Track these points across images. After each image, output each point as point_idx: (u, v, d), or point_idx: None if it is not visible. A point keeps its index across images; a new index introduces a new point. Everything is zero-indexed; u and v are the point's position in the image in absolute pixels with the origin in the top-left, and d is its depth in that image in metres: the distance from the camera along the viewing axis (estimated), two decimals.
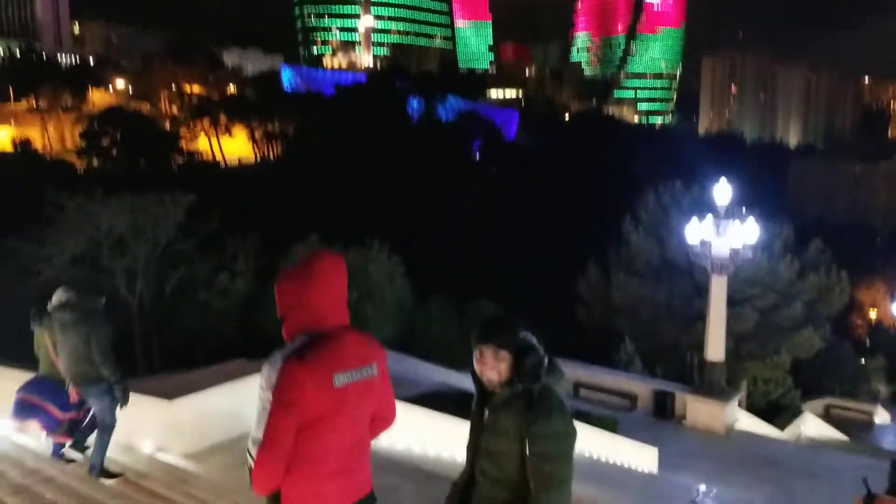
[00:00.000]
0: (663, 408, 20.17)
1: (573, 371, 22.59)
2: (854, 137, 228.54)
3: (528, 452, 3.25)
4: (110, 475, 7.04)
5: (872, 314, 58.23)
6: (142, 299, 27.43)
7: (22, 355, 10.24)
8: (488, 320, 3.48)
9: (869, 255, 63.13)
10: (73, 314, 6.87)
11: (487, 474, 3.41)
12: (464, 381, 18.70)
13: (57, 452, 7.46)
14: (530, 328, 3.72)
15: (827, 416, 29.40)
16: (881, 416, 30.93)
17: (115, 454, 7.65)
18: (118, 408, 7.03)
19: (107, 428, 6.98)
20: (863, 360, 39.84)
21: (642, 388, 21.27)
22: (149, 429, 8.51)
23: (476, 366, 3.39)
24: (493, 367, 3.34)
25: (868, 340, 50.81)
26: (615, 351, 26.87)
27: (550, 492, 3.26)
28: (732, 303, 23.34)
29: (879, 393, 38.30)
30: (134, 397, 7.11)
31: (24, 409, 7.22)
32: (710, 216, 19.13)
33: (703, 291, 22.66)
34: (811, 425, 24.92)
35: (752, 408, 25.24)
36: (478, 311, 33.23)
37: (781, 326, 27.09)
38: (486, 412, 3.37)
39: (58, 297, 7.03)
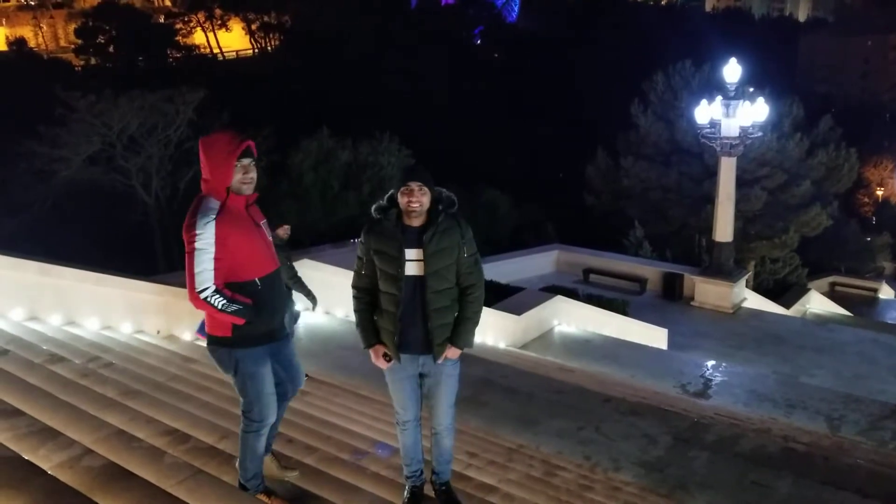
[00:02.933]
0: (672, 289, 20.75)
1: (583, 258, 23.11)
2: (865, 9, 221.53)
3: (464, 255, 4.45)
4: None
5: (879, 192, 58.33)
6: (158, 197, 27.74)
7: (44, 252, 10.65)
8: (412, 167, 4.57)
9: (878, 133, 62.58)
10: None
11: (434, 289, 4.43)
12: None
13: None
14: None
15: (832, 294, 30.10)
16: (885, 292, 31.61)
17: None
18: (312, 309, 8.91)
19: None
20: (868, 238, 40.29)
21: (651, 271, 21.80)
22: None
23: (403, 199, 4.36)
24: (418, 198, 4.33)
25: (874, 218, 51.14)
26: (624, 236, 27.28)
27: (482, 278, 4.61)
28: (741, 183, 23.57)
29: (884, 269, 38.94)
30: None
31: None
32: (719, 97, 19.11)
33: (712, 173, 22.87)
34: (817, 302, 25.62)
35: (760, 287, 25.93)
36: (488, 200, 33.55)
37: (790, 205, 27.40)
38: (426, 240, 4.37)
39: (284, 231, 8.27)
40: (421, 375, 4.70)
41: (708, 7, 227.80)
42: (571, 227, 34.22)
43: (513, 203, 35.29)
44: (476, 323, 4.64)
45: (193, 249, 4.08)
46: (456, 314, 4.57)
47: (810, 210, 27.34)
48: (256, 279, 4.30)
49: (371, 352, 4.64)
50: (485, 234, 30.89)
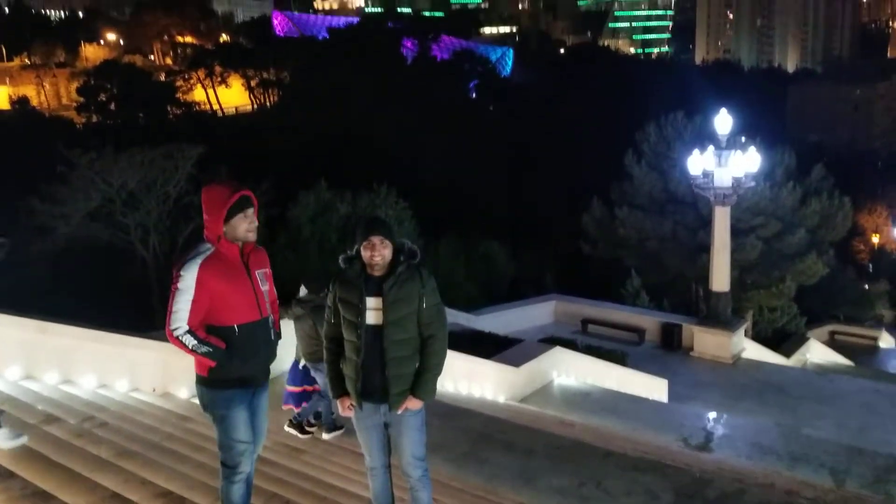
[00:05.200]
0: (671, 340, 20.68)
1: (581, 308, 23.07)
2: (853, 59, 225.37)
3: (424, 306, 4.53)
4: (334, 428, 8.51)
5: (875, 239, 58.54)
6: (155, 252, 27.80)
7: (42, 310, 10.63)
8: (374, 219, 4.68)
9: (870, 180, 63.12)
10: (304, 308, 8.26)
11: (392, 338, 4.50)
12: (473, 322, 19.19)
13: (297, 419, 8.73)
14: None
15: (832, 342, 29.95)
16: (885, 341, 31.46)
17: None
18: None
19: (326, 395, 8.21)
20: (866, 286, 40.31)
21: (649, 321, 21.75)
22: None
23: (365, 253, 4.50)
24: (380, 252, 4.48)
25: (871, 266, 51.23)
26: (622, 285, 27.29)
27: (445, 329, 4.69)
28: (736, 232, 23.68)
29: (883, 318, 38.85)
30: None
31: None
32: (711, 147, 19.32)
33: (707, 222, 22.95)
34: (816, 352, 25.49)
35: (759, 336, 25.80)
36: (485, 251, 33.65)
37: (785, 254, 27.45)
38: (385, 289, 4.47)
39: (303, 290, 8.46)
40: (386, 425, 4.76)
41: (698, 59, 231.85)
42: (569, 277, 34.29)
43: (510, 253, 35.44)
44: (437, 374, 4.71)
45: (175, 289, 4.32)
46: (417, 365, 4.64)
47: (806, 258, 27.40)
48: (235, 325, 4.46)
49: (338, 401, 4.77)
50: (482, 285, 30.94)
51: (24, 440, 6.75)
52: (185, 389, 9.63)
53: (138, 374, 9.70)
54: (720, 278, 19.88)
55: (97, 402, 8.56)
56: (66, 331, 9.32)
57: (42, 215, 25.23)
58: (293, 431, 8.39)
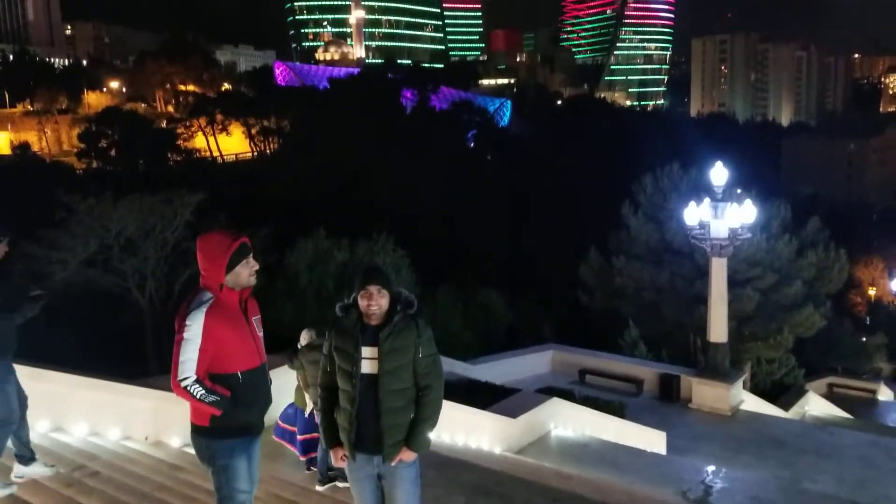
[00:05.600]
0: (669, 391, 20.54)
1: (579, 358, 22.97)
2: (846, 114, 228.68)
3: (420, 356, 4.50)
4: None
5: (871, 292, 58.65)
6: (152, 299, 27.71)
7: (35, 356, 10.55)
8: (372, 268, 4.69)
9: (866, 232, 63.50)
10: (318, 353, 8.08)
11: (388, 388, 4.46)
12: (470, 371, 19.05)
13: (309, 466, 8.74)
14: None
15: (830, 395, 29.78)
16: (884, 394, 31.31)
17: None
18: None
19: None
20: (863, 338, 40.26)
21: (647, 371, 21.64)
22: None
23: (362, 302, 4.50)
24: (377, 301, 4.47)
25: (868, 318, 51.23)
26: (619, 335, 27.22)
27: (441, 379, 4.66)
28: (733, 283, 23.71)
29: (881, 370, 38.72)
30: None
31: (279, 432, 8.83)
32: (707, 199, 19.47)
33: (704, 273, 22.99)
34: (815, 404, 25.33)
35: (757, 388, 25.68)
36: (483, 300, 33.58)
37: (782, 305, 27.44)
38: (381, 338, 4.45)
39: (305, 337, 8.48)
40: (379, 476, 4.69)
41: (693, 112, 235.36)
42: (567, 327, 34.21)
43: (508, 302, 35.39)
44: (432, 425, 4.67)
45: (182, 339, 4.32)
46: (412, 415, 4.60)
47: (803, 310, 27.38)
48: (238, 372, 4.47)
49: (332, 452, 4.72)
50: (480, 334, 30.83)
51: (12, 490, 6.64)
52: (177, 438, 9.52)
53: (131, 422, 9.60)
54: (718, 329, 19.84)
55: (88, 451, 8.45)
56: (58, 377, 9.26)
57: (39, 260, 25.21)
58: (322, 489, 8.21)
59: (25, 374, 8.87)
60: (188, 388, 4.29)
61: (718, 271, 19.89)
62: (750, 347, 27.70)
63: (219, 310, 4.38)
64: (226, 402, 4.35)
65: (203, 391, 4.29)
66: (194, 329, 4.30)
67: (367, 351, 4.48)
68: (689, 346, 27.84)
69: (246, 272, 4.48)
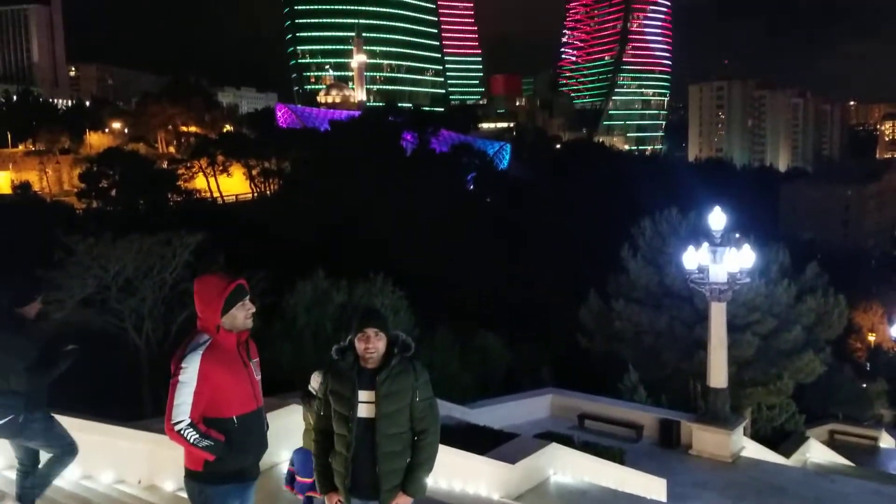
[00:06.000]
0: (669, 437, 20.32)
1: (578, 402, 22.76)
2: (843, 160, 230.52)
3: (417, 400, 4.46)
4: None
5: (871, 338, 58.46)
6: (149, 340, 27.58)
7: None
8: (369, 310, 4.68)
9: (864, 278, 63.55)
10: None
11: (385, 432, 4.42)
12: (467, 415, 18.87)
13: None
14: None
15: (831, 442, 29.52)
16: (885, 441, 31.03)
17: None
18: None
19: None
20: (864, 385, 40.01)
21: (647, 417, 21.43)
22: None
23: (359, 345, 4.47)
24: (374, 344, 4.45)
25: (868, 364, 51.01)
26: (619, 379, 27.03)
27: (437, 423, 4.62)
28: (733, 328, 23.60)
29: (882, 417, 38.44)
30: None
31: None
32: (705, 244, 19.49)
33: (703, 318, 22.92)
34: (817, 451, 25.07)
35: (758, 435, 25.44)
36: (481, 342, 33.45)
37: (782, 351, 27.31)
38: (379, 382, 4.40)
39: (315, 380, 8.22)
40: None
41: (691, 156, 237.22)
42: (566, 370, 33.98)
43: (506, 344, 35.23)
44: (428, 470, 4.62)
45: (177, 381, 4.28)
46: (408, 460, 4.56)
47: (803, 356, 27.24)
48: (234, 417, 4.42)
49: (325, 498, 4.65)
50: (478, 377, 30.63)
51: None
52: (171, 482, 9.37)
53: (124, 465, 9.47)
54: (718, 374, 19.70)
55: (81, 495, 8.32)
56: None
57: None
58: None
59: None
60: (182, 431, 4.24)
61: (718, 316, 19.81)
62: (750, 393, 27.50)
63: (215, 353, 4.35)
64: (220, 447, 4.29)
65: (197, 435, 4.24)
66: (190, 372, 4.26)
67: (364, 395, 4.44)
68: (689, 392, 27.62)
69: (242, 315, 4.45)
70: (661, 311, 28.61)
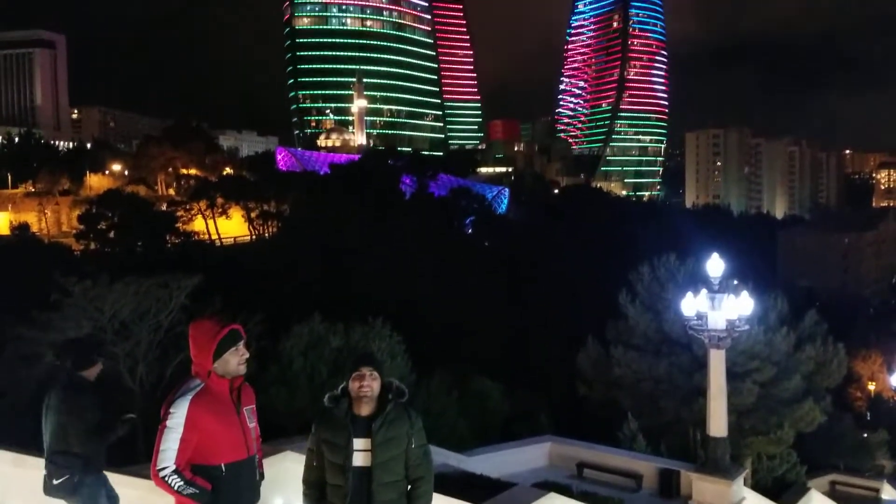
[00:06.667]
0: (669, 487, 20.00)
1: (577, 451, 22.45)
2: (839, 208, 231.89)
3: (412, 447, 4.44)
4: None
5: (871, 386, 58.08)
6: (142, 383, 27.32)
7: (24, 440, 10.29)
8: (364, 352, 4.77)
9: (863, 326, 63.38)
10: None
11: (381, 481, 4.34)
12: (464, 463, 18.60)
13: None
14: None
15: (833, 493, 29.13)
16: (887, 492, 30.61)
17: None
18: None
19: None
20: (865, 434, 39.62)
21: (647, 466, 21.12)
22: None
23: (354, 385, 4.42)
24: (369, 384, 4.41)
25: (868, 414, 50.61)
26: (618, 427, 26.73)
27: (431, 471, 4.59)
28: (732, 376, 23.42)
29: (884, 468, 37.98)
30: None
31: None
32: (704, 290, 19.43)
33: (702, 365, 22.76)
34: (818, 503, 24.68)
35: (758, 485, 25.08)
36: (478, 388, 33.15)
37: (782, 399, 27.09)
38: (374, 429, 4.34)
39: None
40: None
41: (688, 203, 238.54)
42: (564, 416, 33.64)
43: (504, 390, 34.91)
44: None
45: (164, 427, 4.24)
46: None
47: (804, 405, 27.01)
48: (222, 464, 4.34)
49: None
50: (475, 424, 30.28)
51: None
52: None
53: None
54: (718, 423, 19.47)
55: None
56: (41, 463, 8.97)
57: (31, 343, 24.97)
58: None
59: (8, 460, 8.64)
60: (166, 478, 4.19)
61: (717, 363, 19.65)
62: (750, 442, 27.19)
63: (206, 398, 4.29)
64: (206, 496, 4.22)
65: (181, 482, 4.17)
66: (177, 417, 4.21)
67: (359, 443, 4.37)
68: (688, 440, 27.30)
69: (235, 360, 4.41)
70: (660, 357, 28.44)
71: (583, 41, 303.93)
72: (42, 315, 25.26)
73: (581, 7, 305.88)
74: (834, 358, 29.30)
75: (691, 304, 19.51)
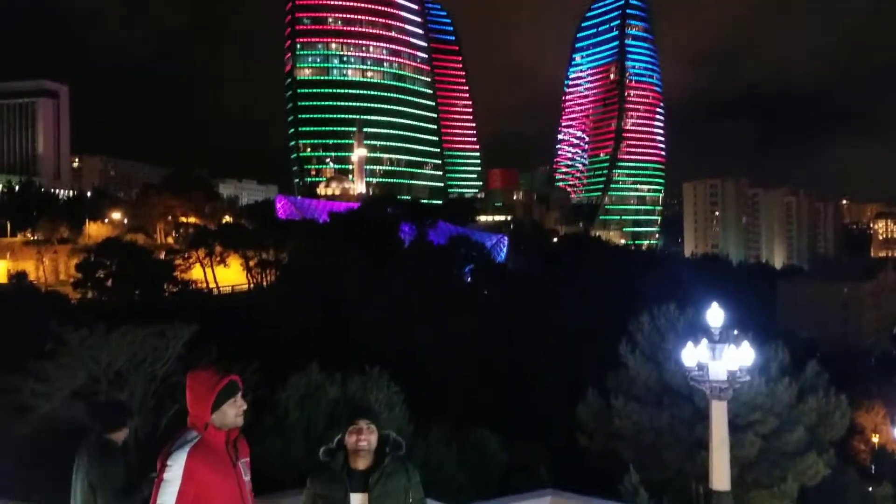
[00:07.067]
0: None
1: None
2: (838, 258, 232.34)
3: (410, 501, 4.39)
4: None
5: (875, 439, 57.40)
6: (136, 435, 26.90)
7: (14, 495, 10.08)
8: (361, 405, 4.69)
9: (865, 378, 62.95)
10: None
11: None
12: None
13: None
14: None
15: None
16: None
17: None
18: None
19: None
20: (870, 488, 38.96)
21: None
22: None
23: (351, 438, 4.38)
24: (366, 437, 4.38)
25: (873, 466, 49.94)
26: (619, 480, 26.30)
27: None
28: (734, 428, 23.12)
29: None
30: None
31: None
32: (704, 340, 19.29)
33: (704, 417, 22.48)
34: None
35: None
36: (477, 439, 32.71)
37: (785, 452, 26.74)
38: (371, 483, 4.28)
39: None
40: None
41: (687, 252, 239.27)
42: (565, 469, 33.09)
43: (504, 441, 34.45)
44: None
45: (161, 480, 4.18)
46: None
47: (807, 458, 26.65)
48: None
49: None
50: (474, 476, 29.78)
51: None
52: None
53: None
54: (720, 476, 19.13)
55: None
56: None
57: (24, 393, 24.68)
58: None
59: None
60: None
61: (719, 415, 19.40)
62: (753, 497, 26.76)
63: (203, 451, 4.22)
64: None
65: None
66: (175, 470, 4.16)
67: (356, 497, 4.28)
68: (691, 494, 26.86)
69: (233, 412, 4.34)
70: (662, 409, 28.16)
71: (580, 92, 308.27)
72: (36, 365, 25.01)
73: (578, 59, 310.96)
74: (836, 410, 29.02)
75: (692, 355, 19.35)
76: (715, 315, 19.50)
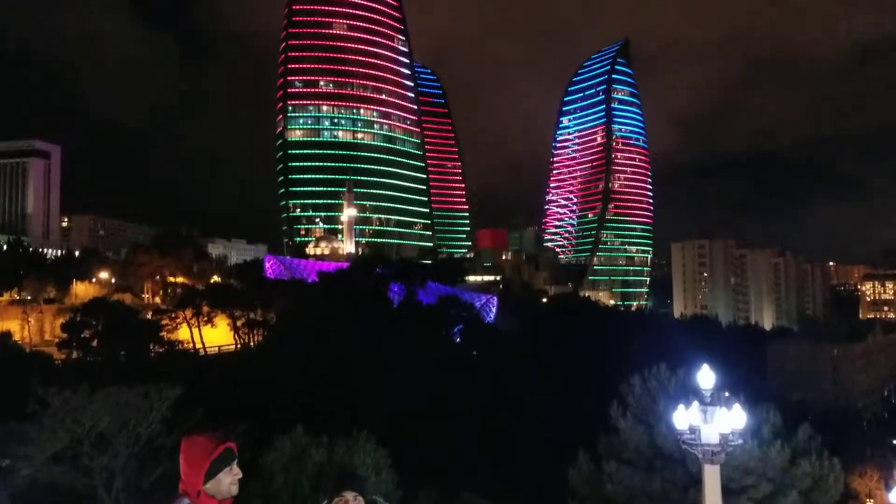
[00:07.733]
0: None
1: None
2: (827, 319, 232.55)
3: None
4: None
5: None
6: (118, 498, 26.26)
7: None
8: (348, 474, 4.55)
9: (858, 441, 62.36)
10: None
11: None
12: None
13: None
14: None
15: None
16: None
17: None
18: None
19: None
20: None
21: None
22: None
23: None
24: None
25: None
26: None
27: None
28: (727, 492, 22.73)
29: None
30: None
31: None
32: (696, 403, 19.10)
33: (697, 481, 22.11)
34: None
35: None
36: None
37: None
38: None
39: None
40: None
41: (676, 313, 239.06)
42: None
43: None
44: None
45: None
46: None
47: None
48: None
49: None
50: None
51: None
52: None
53: None
54: None
55: None
56: None
57: (4, 455, 24.12)
58: None
59: None
60: None
61: (712, 479, 19.10)
62: None
63: None
64: None
65: None
66: None
67: None
68: None
69: (228, 480, 4.19)
70: (654, 472, 27.71)
71: (568, 154, 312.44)
72: (19, 427, 24.51)
73: (566, 122, 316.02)
74: (830, 474, 28.60)
75: (683, 418, 19.14)
76: (706, 377, 19.36)
